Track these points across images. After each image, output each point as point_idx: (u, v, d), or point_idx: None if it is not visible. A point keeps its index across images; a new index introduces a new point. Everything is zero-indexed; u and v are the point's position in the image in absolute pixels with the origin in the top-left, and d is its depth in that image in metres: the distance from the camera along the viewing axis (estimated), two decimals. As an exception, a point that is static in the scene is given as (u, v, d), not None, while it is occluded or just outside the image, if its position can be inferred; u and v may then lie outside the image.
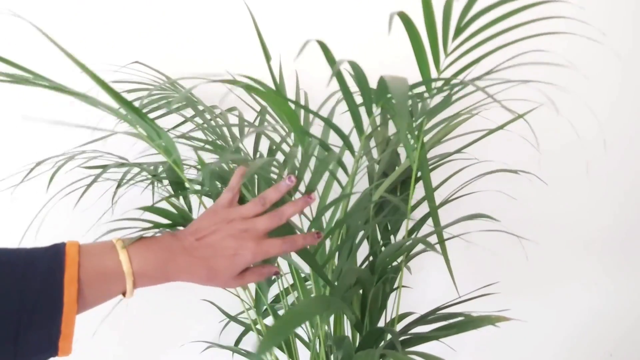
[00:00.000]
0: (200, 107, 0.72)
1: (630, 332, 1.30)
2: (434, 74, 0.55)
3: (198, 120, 0.73)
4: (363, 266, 0.79)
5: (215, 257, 0.50)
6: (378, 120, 0.83)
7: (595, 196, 1.17)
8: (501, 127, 0.69)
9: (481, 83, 0.49)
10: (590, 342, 1.28)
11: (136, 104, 0.61)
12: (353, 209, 0.64)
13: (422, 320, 0.70)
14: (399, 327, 0.73)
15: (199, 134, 0.73)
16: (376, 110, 0.56)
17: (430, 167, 0.72)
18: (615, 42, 1.07)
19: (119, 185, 0.61)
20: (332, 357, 0.69)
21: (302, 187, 0.58)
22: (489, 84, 0.49)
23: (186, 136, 0.68)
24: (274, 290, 0.85)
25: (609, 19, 1.05)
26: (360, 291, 0.71)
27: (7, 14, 0.83)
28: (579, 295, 1.24)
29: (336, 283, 0.64)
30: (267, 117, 0.79)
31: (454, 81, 0.50)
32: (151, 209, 0.63)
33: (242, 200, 0.56)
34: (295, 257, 0.70)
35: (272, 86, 0.68)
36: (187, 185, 0.64)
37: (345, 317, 0.76)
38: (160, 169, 0.67)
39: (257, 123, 0.83)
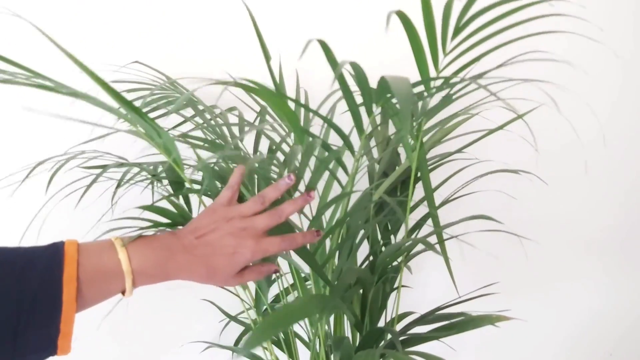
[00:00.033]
0: (200, 107, 0.72)
1: (630, 332, 1.30)
2: (432, 73, 0.55)
3: (198, 120, 0.73)
4: (363, 266, 0.79)
5: (214, 255, 0.50)
6: (378, 119, 0.83)
7: (596, 196, 1.17)
8: (501, 127, 0.69)
9: (481, 82, 0.49)
10: (590, 342, 1.28)
11: (136, 103, 0.61)
12: (353, 208, 0.64)
13: (422, 320, 0.70)
14: (399, 327, 0.73)
15: (199, 134, 0.73)
16: (376, 110, 0.56)
17: (430, 167, 0.72)
18: (616, 42, 1.07)
19: (118, 185, 0.61)
20: (332, 357, 0.69)
21: (302, 187, 0.58)
22: (489, 82, 0.49)
23: (186, 135, 0.68)
24: (274, 290, 0.85)
25: (610, 19, 1.05)
26: (361, 291, 0.71)
27: (7, 13, 0.83)
28: (579, 295, 1.24)
29: (336, 283, 0.64)
30: (267, 117, 0.79)
31: (455, 79, 0.50)
32: (151, 208, 0.63)
33: (241, 199, 0.56)
34: (295, 257, 0.70)
35: (272, 86, 0.68)
36: (187, 184, 0.64)
37: (345, 317, 0.76)
38: (160, 168, 0.67)
39: (257, 123, 0.83)
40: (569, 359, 1.28)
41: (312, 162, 0.63)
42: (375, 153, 0.85)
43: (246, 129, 0.72)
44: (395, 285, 0.72)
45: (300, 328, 0.86)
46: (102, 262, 0.46)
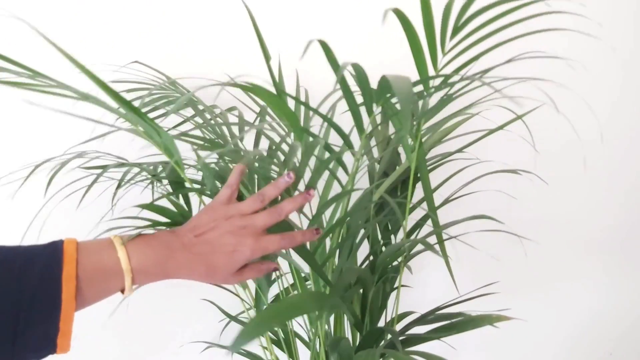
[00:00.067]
0: (200, 107, 0.72)
1: (629, 332, 1.30)
2: (432, 73, 0.55)
3: (198, 120, 0.73)
4: (363, 266, 0.79)
5: (214, 253, 0.50)
6: (378, 119, 0.83)
7: (596, 196, 1.17)
8: (501, 127, 0.69)
9: (479, 82, 0.49)
10: (590, 341, 1.28)
11: (136, 103, 0.61)
12: (353, 208, 0.64)
13: (422, 320, 0.70)
14: (398, 326, 0.73)
15: (198, 133, 0.73)
16: (377, 109, 0.56)
17: (430, 167, 0.72)
18: (616, 42, 1.07)
19: (119, 186, 0.61)
20: (332, 357, 0.69)
21: (302, 187, 0.58)
22: (489, 81, 0.49)
23: (186, 134, 0.68)
24: (274, 290, 0.85)
25: (610, 19, 1.05)
26: (361, 291, 0.71)
27: (7, 14, 0.83)
28: (579, 295, 1.24)
29: (336, 282, 0.63)
30: (267, 117, 0.79)
31: (455, 78, 0.50)
32: (150, 207, 0.63)
33: (240, 199, 0.56)
34: (295, 256, 0.70)
35: (272, 85, 0.68)
36: (187, 184, 0.64)
37: (345, 316, 0.76)
38: (160, 168, 0.67)
39: (257, 123, 0.83)
40: (569, 359, 1.28)
41: (312, 161, 0.63)
42: (375, 153, 0.85)
43: (246, 128, 0.72)
44: (396, 285, 0.72)
45: (300, 328, 0.86)
46: (101, 261, 0.46)
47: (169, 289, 0.80)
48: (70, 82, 0.52)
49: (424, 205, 0.67)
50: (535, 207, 1.12)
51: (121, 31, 0.89)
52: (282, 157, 0.68)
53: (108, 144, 0.73)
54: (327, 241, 0.73)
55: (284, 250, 0.65)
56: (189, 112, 0.77)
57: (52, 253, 0.43)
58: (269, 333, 0.81)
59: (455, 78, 0.51)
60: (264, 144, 0.78)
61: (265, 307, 0.81)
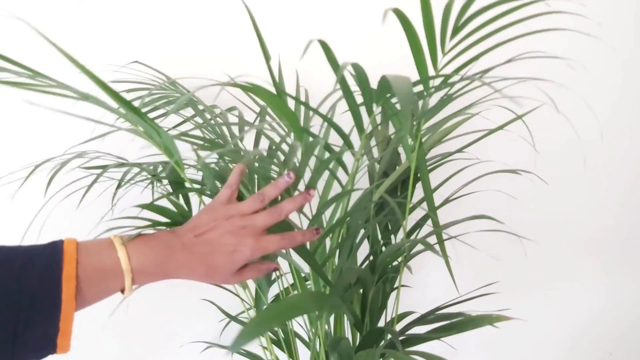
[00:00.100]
0: (200, 107, 0.72)
1: (629, 332, 1.30)
2: (431, 73, 0.55)
3: (198, 120, 0.73)
4: (363, 266, 0.79)
5: (214, 253, 0.50)
6: (378, 119, 0.83)
7: (596, 196, 1.17)
8: (501, 127, 0.69)
9: (479, 82, 0.49)
10: (590, 341, 1.28)
11: (136, 103, 0.61)
12: (353, 208, 0.64)
13: (422, 319, 0.70)
14: (399, 326, 0.73)
15: (198, 133, 0.73)
16: (377, 109, 0.56)
17: (430, 167, 0.72)
18: (617, 42, 1.07)
19: (119, 186, 0.61)
20: (332, 357, 0.69)
21: (302, 187, 0.58)
22: (489, 81, 0.49)
23: (186, 134, 0.68)
24: (274, 290, 0.85)
25: (610, 18, 1.05)
26: (361, 291, 0.71)
27: (7, 14, 0.83)
28: (579, 295, 1.24)
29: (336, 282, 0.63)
30: (267, 117, 0.79)
31: (456, 77, 0.50)
32: (150, 207, 0.63)
33: (240, 199, 0.56)
34: (295, 256, 0.71)
35: (272, 85, 0.68)
36: (187, 184, 0.64)
37: (345, 316, 0.76)
38: (160, 168, 0.67)
39: (257, 123, 0.83)
40: (569, 359, 1.28)
41: (312, 161, 0.63)
42: (375, 152, 0.85)
43: (246, 128, 0.72)
44: (396, 285, 0.72)
45: (301, 328, 0.86)
46: (101, 261, 0.46)
47: (169, 289, 0.80)
48: (70, 82, 0.52)
49: (424, 205, 0.67)
50: (535, 207, 1.12)
51: (121, 31, 0.89)
52: (282, 157, 0.68)
53: (108, 144, 0.73)
54: (327, 241, 0.73)
55: (284, 250, 0.65)
56: (189, 112, 0.77)
57: (52, 253, 0.43)
58: (269, 333, 0.81)
59: (455, 78, 0.51)
60: (264, 144, 0.78)
61: (265, 307, 0.81)
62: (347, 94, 0.54)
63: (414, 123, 0.59)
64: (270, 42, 0.70)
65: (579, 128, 1.07)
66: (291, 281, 0.75)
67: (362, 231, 0.68)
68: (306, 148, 0.57)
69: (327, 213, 0.77)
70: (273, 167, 0.66)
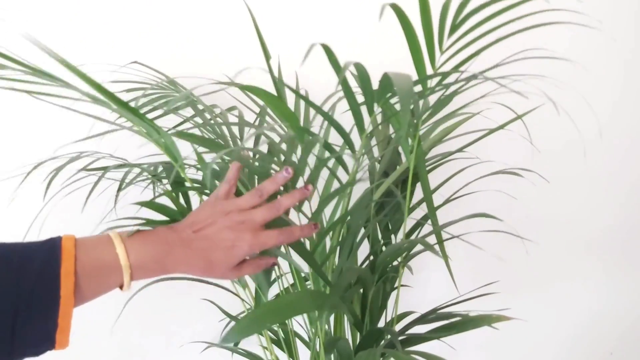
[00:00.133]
0: (200, 107, 0.72)
1: (630, 332, 1.30)
2: (430, 71, 0.55)
3: (198, 120, 0.73)
4: (363, 265, 0.79)
5: (212, 249, 0.50)
6: (379, 118, 0.83)
7: (596, 196, 1.17)
8: (501, 127, 0.69)
9: (479, 80, 0.49)
10: (590, 341, 1.28)
11: (136, 103, 0.61)
12: (354, 207, 0.64)
13: (422, 319, 0.70)
14: (399, 326, 0.73)
15: (198, 133, 0.73)
16: (377, 109, 0.56)
17: (429, 167, 0.72)
18: (617, 42, 1.07)
19: (119, 189, 0.61)
20: (332, 357, 0.69)
21: (301, 186, 0.58)
22: (489, 78, 0.49)
23: (185, 134, 0.68)
24: (274, 290, 0.85)
25: (611, 18, 1.05)
26: (361, 290, 0.71)
27: (6, 14, 0.83)
28: (579, 295, 1.24)
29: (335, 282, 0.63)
30: (267, 117, 0.79)
31: (456, 74, 0.50)
32: (150, 204, 0.63)
33: (238, 195, 0.56)
34: (295, 256, 0.70)
35: (272, 85, 0.68)
36: (187, 184, 0.64)
37: (345, 316, 0.76)
38: (160, 169, 0.67)
39: (257, 123, 0.83)
40: (569, 359, 1.28)
41: (312, 160, 0.63)
42: (375, 152, 0.85)
43: (250, 131, 0.72)
44: (396, 285, 0.72)
45: (300, 327, 0.86)
46: (99, 257, 0.46)
47: (169, 289, 0.80)
48: (71, 81, 0.52)
49: (424, 205, 0.67)
50: (535, 207, 1.12)
51: (121, 31, 0.89)
52: (282, 158, 0.68)
53: (108, 144, 0.73)
54: (327, 241, 0.73)
55: (283, 250, 0.65)
56: (189, 112, 0.77)
57: (50, 249, 0.43)
58: (269, 333, 0.81)
59: (454, 76, 0.51)
60: (264, 144, 0.78)
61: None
62: (348, 94, 0.54)
63: (413, 121, 0.59)
64: (270, 42, 0.70)
65: (580, 128, 1.07)
66: (291, 281, 0.75)
67: (362, 231, 0.68)
68: (305, 146, 0.57)
69: (327, 212, 0.77)
70: (273, 166, 0.66)
